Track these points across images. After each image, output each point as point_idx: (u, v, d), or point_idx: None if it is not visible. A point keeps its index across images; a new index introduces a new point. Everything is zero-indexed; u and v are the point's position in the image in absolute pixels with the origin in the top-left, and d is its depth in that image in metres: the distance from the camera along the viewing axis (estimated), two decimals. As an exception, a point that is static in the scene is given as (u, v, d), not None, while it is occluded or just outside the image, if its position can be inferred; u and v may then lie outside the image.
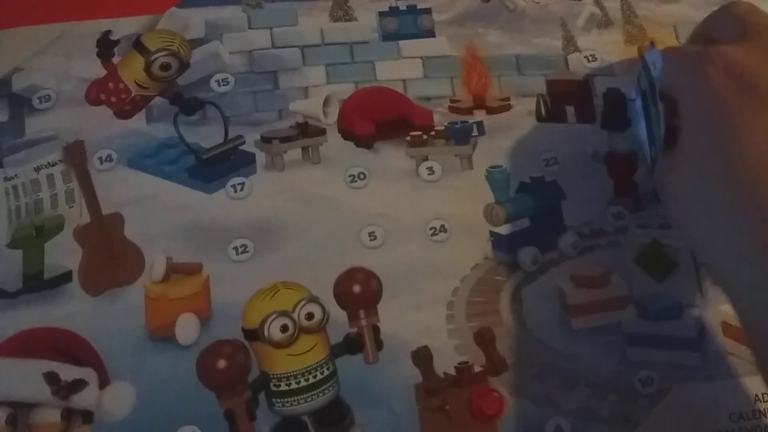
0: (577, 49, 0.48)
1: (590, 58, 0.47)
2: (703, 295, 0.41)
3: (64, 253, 0.41)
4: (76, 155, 0.43)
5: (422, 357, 0.38)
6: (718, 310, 0.41)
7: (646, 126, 0.43)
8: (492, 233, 0.42)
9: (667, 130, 0.37)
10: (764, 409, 0.39)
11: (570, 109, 0.46)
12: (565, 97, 0.46)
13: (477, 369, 0.39)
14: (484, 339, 0.39)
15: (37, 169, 0.42)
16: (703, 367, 0.40)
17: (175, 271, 0.40)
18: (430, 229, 0.42)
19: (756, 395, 0.39)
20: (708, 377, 0.39)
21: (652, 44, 0.40)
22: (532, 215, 0.43)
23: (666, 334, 0.40)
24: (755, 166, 0.31)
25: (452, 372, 0.38)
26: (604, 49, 0.48)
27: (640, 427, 0.38)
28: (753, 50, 0.34)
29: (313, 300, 0.38)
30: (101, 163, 0.43)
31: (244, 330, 0.38)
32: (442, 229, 0.42)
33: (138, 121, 0.44)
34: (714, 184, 0.32)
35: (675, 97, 0.36)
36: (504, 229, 0.42)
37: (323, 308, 0.38)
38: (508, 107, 0.46)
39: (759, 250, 0.30)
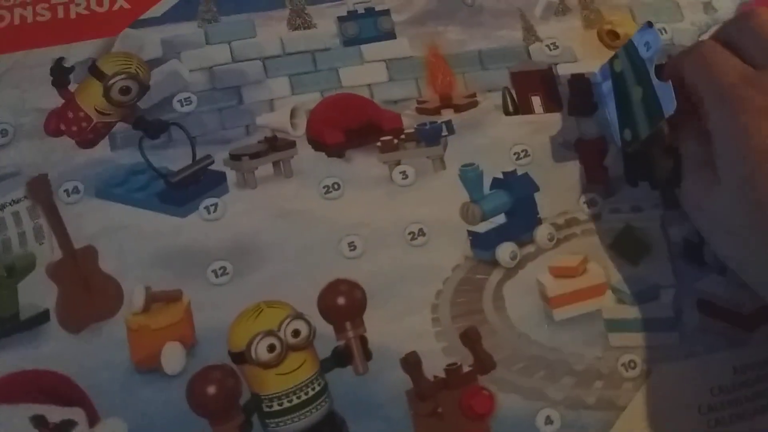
0: (538, 39, 0.48)
1: (551, 47, 0.48)
2: (676, 274, 0.42)
3: (38, 292, 0.40)
4: (40, 190, 0.42)
5: (411, 363, 0.39)
6: (693, 287, 0.42)
7: (616, 107, 0.44)
8: (470, 232, 0.42)
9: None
10: (744, 380, 0.41)
11: (536, 99, 0.46)
12: (530, 88, 0.46)
13: (466, 369, 0.39)
14: (470, 339, 0.40)
15: (2, 207, 0.41)
16: (683, 345, 0.41)
17: (155, 300, 0.40)
18: (409, 234, 0.42)
19: (735, 367, 0.41)
20: (688, 354, 0.41)
21: (650, 24, 0.40)
22: (508, 210, 0.43)
23: (645, 316, 0.41)
24: None
25: (442, 374, 0.39)
26: (563, 36, 0.48)
27: (627, 409, 0.39)
28: None
29: (298, 316, 0.38)
30: (68, 195, 0.42)
31: (230, 353, 0.38)
32: (421, 233, 0.42)
33: (102, 149, 0.43)
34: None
35: (701, 105, 0.37)
36: (481, 227, 0.42)
37: (309, 324, 0.38)
38: (475, 103, 0.46)
39: None
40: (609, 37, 0.48)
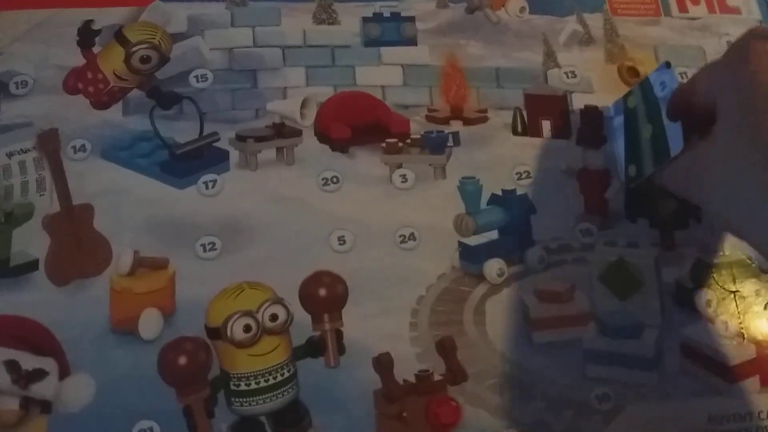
0: (557, 65, 0.48)
1: (569, 75, 0.48)
2: (664, 316, 0.42)
3: (31, 242, 0.40)
4: (49, 143, 0.43)
5: (383, 363, 0.39)
6: (678, 331, 0.41)
7: (625, 144, 0.44)
8: (460, 244, 0.42)
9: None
10: (717, 430, 0.40)
11: (546, 124, 0.46)
12: (542, 112, 0.46)
13: (437, 377, 0.39)
14: (445, 348, 0.39)
15: (10, 155, 0.42)
16: (660, 387, 0.40)
17: (141, 265, 0.40)
18: (400, 236, 0.42)
19: (710, 415, 0.40)
20: (664, 397, 0.40)
21: (668, 64, 0.41)
22: (502, 228, 0.43)
23: (625, 352, 0.40)
24: None
25: (412, 379, 0.39)
26: (584, 66, 0.48)
27: (594, 443, 0.39)
28: None
29: (278, 301, 0.38)
30: (75, 152, 0.43)
31: (207, 328, 0.38)
32: (412, 237, 0.42)
33: (114, 112, 0.44)
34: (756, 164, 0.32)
35: (711, 99, 0.36)
36: (472, 240, 0.42)
37: (288, 310, 0.38)
38: (485, 119, 0.46)
39: None
40: (629, 73, 0.48)
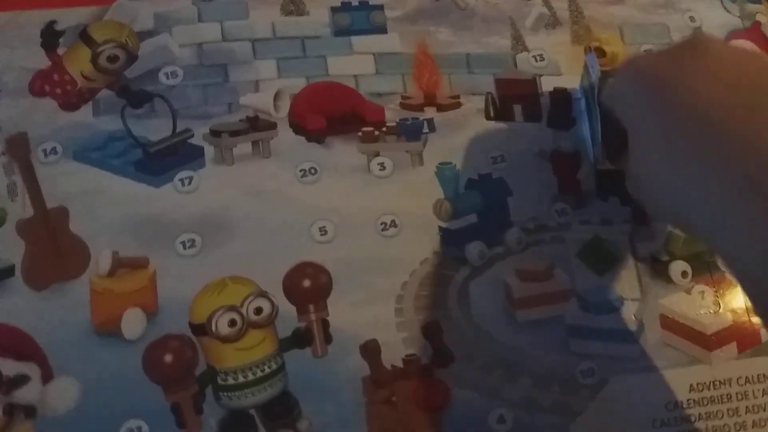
0: (526, 49, 0.49)
1: (538, 58, 0.48)
2: (642, 289, 0.43)
3: (6, 248, 0.40)
4: (19, 148, 0.42)
5: (370, 350, 0.39)
6: (657, 303, 0.42)
7: (588, 125, 0.45)
8: (441, 228, 0.42)
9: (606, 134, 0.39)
10: (699, 398, 0.41)
11: (518, 108, 0.47)
12: (513, 96, 0.47)
13: (424, 361, 0.39)
14: (431, 332, 0.40)
15: (-22, 162, 0.41)
16: (641, 359, 0.41)
17: (121, 265, 0.40)
18: (381, 224, 0.42)
19: (691, 385, 0.41)
20: (645, 368, 0.41)
21: (591, 50, 0.42)
22: (480, 211, 0.43)
23: (606, 326, 0.41)
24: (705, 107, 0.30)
25: (400, 364, 0.39)
26: (551, 49, 0.49)
27: (581, 416, 0.40)
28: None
29: (262, 294, 0.38)
30: (45, 155, 0.42)
31: (191, 325, 0.38)
32: (393, 224, 0.42)
33: (84, 113, 0.43)
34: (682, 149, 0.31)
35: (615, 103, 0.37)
36: (452, 225, 0.43)
37: (272, 303, 0.38)
38: (458, 105, 0.46)
39: (735, 191, 0.28)
40: (595, 54, 0.49)
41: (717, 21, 0.52)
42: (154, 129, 0.43)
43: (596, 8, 0.51)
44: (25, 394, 0.37)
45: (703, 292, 0.42)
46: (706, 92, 0.31)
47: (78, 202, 0.41)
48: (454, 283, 0.42)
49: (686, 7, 0.52)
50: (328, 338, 0.39)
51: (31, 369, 0.37)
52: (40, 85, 0.44)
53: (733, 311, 0.42)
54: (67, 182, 0.41)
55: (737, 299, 0.42)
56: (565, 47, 0.49)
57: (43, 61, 0.44)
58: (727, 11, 0.52)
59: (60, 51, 0.44)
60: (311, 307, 0.39)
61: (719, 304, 0.42)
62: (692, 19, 0.51)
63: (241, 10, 0.47)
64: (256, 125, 0.44)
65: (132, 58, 0.44)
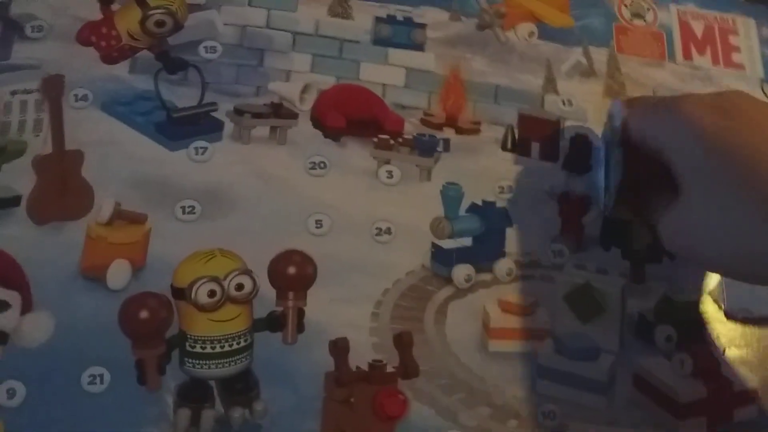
0: (556, 92, 0.49)
1: (566, 102, 0.49)
2: (622, 344, 0.42)
3: (18, 178, 0.41)
4: (53, 88, 0.44)
5: (339, 347, 0.39)
6: (634, 361, 0.42)
7: (604, 172, 0.45)
8: (433, 245, 0.43)
9: (626, 174, 0.39)
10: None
11: (535, 146, 0.47)
12: (534, 133, 0.47)
13: (389, 369, 0.39)
14: (402, 342, 0.40)
15: (13, 93, 0.44)
16: (607, 412, 0.40)
17: (120, 217, 0.41)
18: (376, 228, 0.43)
19: (652, 451, 0.40)
20: (609, 422, 0.40)
21: (619, 99, 0.43)
22: (476, 236, 0.44)
23: (578, 373, 0.40)
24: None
25: (365, 368, 0.39)
26: (581, 97, 0.49)
27: (534, 458, 0.39)
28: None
29: (246, 272, 0.39)
30: (76, 100, 0.44)
31: (172, 287, 0.39)
32: (387, 231, 0.43)
33: (121, 68, 0.45)
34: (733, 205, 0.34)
35: (661, 150, 0.37)
36: (446, 244, 0.43)
37: (254, 282, 0.39)
38: (477, 131, 0.47)
39: None
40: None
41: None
42: (183, 96, 0.45)
43: (635, 67, 0.51)
44: (2, 320, 0.38)
45: (683, 361, 0.41)
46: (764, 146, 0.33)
47: (95, 150, 0.43)
48: (435, 300, 0.42)
49: (725, 84, 0.52)
50: (300, 327, 0.40)
51: (13, 297, 0.38)
52: (87, 35, 0.46)
53: (710, 386, 0.41)
54: (90, 129, 0.43)
55: (717, 375, 0.42)
56: (596, 98, 0.50)
57: (95, 14, 0.46)
58: (767, 96, 0.52)
59: (114, 7, 0.47)
60: (291, 294, 0.40)
61: (697, 376, 0.41)
62: (729, 95, 0.51)
63: (291, 2, 0.49)
64: (279, 112, 0.45)
65: (178, 26, 0.46)
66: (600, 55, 0.51)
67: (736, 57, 0.53)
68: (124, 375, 0.37)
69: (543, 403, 0.40)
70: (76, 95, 0.44)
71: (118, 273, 0.40)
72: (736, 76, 0.52)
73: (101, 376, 0.37)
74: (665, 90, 0.51)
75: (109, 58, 0.45)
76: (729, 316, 0.44)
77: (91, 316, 0.39)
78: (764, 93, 0.52)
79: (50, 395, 0.37)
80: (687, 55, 0.52)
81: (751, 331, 0.44)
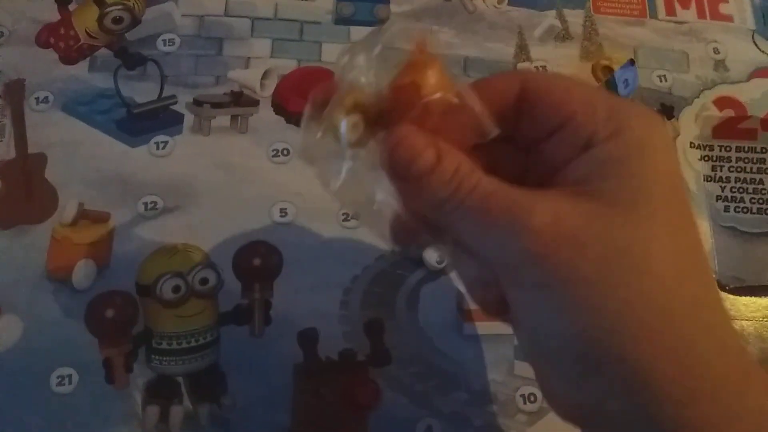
0: (528, 59, 0.47)
1: (539, 69, 0.47)
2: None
3: (-17, 184, 0.41)
4: (15, 93, 0.44)
5: (307, 338, 0.38)
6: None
7: None
8: (403, 227, 0.41)
9: None
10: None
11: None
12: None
13: (360, 358, 0.38)
14: (372, 329, 0.39)
15: (-26, 101, 0.44)
16: (589, 393, 0.39)
17: (84, 217, 0.41)
18: (343, 213, 0.42)
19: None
20: (592, 403, 0.38)
21: (632, 61, 0.40)
22: (448, 215, 0.42)
23: (557, 353, 0.39)
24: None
25: (335, 357, 0.38)
26: (556, 61, 0.47)
27: (514, 442, 0.38)
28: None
29: (210, 266, 0.39)
30: (37, 103, 0.44)
31: (137, 284, 0.38)
32: (355, 216, 0.42)
33: (80, 68, 0.45)
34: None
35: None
36: (416, 225, 0.41)
37: (218, 275, 0.39)
38: (447, 106, 0.45)
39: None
40: (603, 72, 0.47)
41: (743, 56, 0.48)
42: (143, 91, 0.44)
43: (612, 27, 0.49)
44: (-30, 326, 0.38)
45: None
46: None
47: (57, 151, 0.42)
48: (407, 284, 0.40)
49: (712, 38, 0.49)
50: (267, 320, 0.39)
51: (-21, 302, 0.38)
52: (46, 37, 0.46)
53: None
54: (52, 131, 0.43)
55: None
56: (572, 61, 0.47)
57: (53, 15, 0.46)
58: (759, 49, 0.49)
59: (71, 7, 0.46)
60: (257, 286, 0.39)
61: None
62: (716, 51, 0.48)
63: (248, -13, 0.48)
64: (239, 100, 0.44)
65: (136, 21, 0.46)
66: (575, 18, 0.49)
67: (724, 8, 0.50)
68: (91, 374, 0.37)
69: (522, 386, 0.38)
70: (37, 98, 0.44)
71: (84, 273, 0.40)
72: (724, 27, 0.49)
73: (69, 376, 0.37)
74: (647, 49, 0.48)
75: (68, 59, 0.45)
76: (721, 287, 0.41)
77: (58, 318, 0.38)
78: (756, 45, 0.49)
79: (20, 398, 0.37)
80: (670, 11, 0.49)
81: (744, 301, 0.41)
